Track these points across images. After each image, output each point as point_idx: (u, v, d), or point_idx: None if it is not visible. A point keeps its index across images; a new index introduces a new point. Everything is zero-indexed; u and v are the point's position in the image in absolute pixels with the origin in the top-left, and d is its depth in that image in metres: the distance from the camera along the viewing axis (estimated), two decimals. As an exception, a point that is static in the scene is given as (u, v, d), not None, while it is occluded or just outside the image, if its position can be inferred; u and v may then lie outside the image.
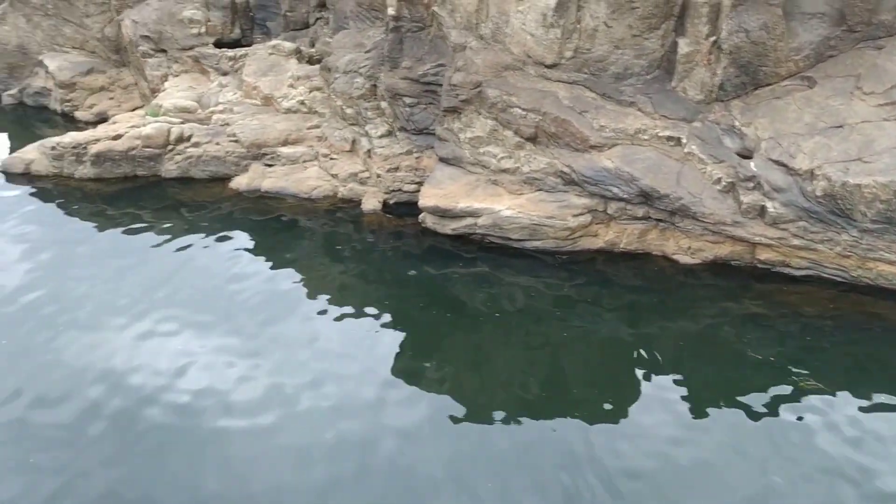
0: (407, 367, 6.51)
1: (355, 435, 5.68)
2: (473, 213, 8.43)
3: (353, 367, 6.52)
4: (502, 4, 8.64)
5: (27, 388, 6.02)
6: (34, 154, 10.21)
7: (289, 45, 11.51)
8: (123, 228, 8.97)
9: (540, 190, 8.41)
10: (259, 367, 6.48)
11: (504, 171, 8.63)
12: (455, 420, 5.81)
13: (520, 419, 5.82)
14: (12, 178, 10.13)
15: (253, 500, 5.06)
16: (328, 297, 7.58)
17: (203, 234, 8.84)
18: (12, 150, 11.05)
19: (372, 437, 5.67)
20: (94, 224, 9.09)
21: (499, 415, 5.86)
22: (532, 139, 8.42)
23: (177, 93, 11.16)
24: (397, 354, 6.67)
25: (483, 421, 5.78)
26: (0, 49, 13.11)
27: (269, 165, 10.01)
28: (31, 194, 9.84)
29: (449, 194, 8.62)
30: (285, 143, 10.02)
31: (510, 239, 8.37)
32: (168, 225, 9.10)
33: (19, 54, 13.08)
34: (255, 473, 5.29)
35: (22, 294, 7.43)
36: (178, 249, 8.51)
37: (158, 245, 8.61)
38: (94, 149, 9.95)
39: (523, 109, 8.35)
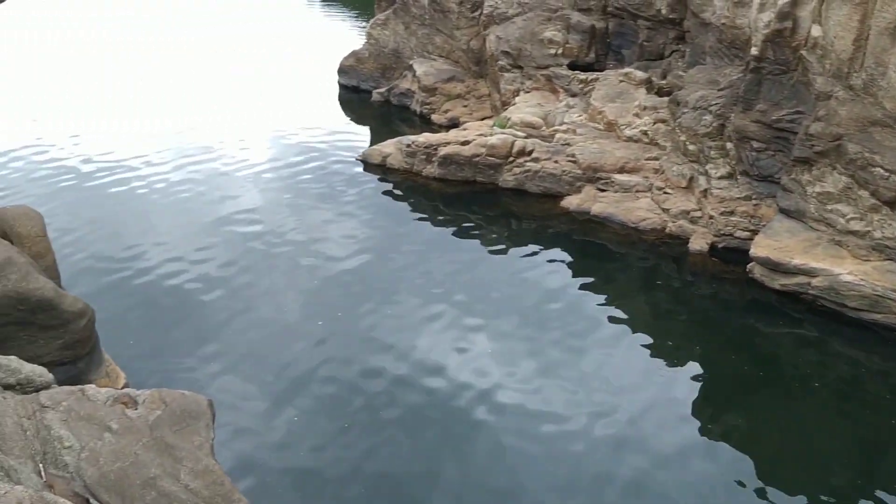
0: (701, 412, 6.62)
1: (627, 468, 5.93)
2: (808, 272, 8.21)
3: (642, 399, 6.77)
4: (882, 55, 8.30)
5: (355, 357, 7.23)
6: (391, 149, 11.77)
7: (640, 75, 11.94)
8: (455, 228, 10.10)
9: (890, 259, 7.94)
10: (545, 377, 7.02)
11: (851, 232, 8.27)
12: (743, 481, 5.82)
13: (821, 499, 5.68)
14: (369, 167, 11.82)
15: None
16: (633, 326, 7.90)
17: (525, 246, 9.63)
18: (373, 142, 12.87)
19: (644, 472, 5.89)
20: (430, 219, 10.35)
21: (798, 494, 5.73)
22: (891, 203, 7.99)
23: (525, 108, 12.13)
24: (695, 400, 6.80)
25: (778, 486, 5.73)
26: (378, 51, 15.18)
27: (602, 190, 10.54)
28: (382, 183, 11.44)
29: (785, 248, 8.46)
30: (621, 170, 10.47)
31: (845, 306, 8.01)
32: (495, 231, 10.04)
33: (393, 57, 15.03)
34: (524, 473, 5.80)
35: (355, 266, 8.85)
36: (499, 255, 9.42)
37: (482, 248, 9.60)
38: (443, 151, 11.22)
39: (886, 170, 7.95)
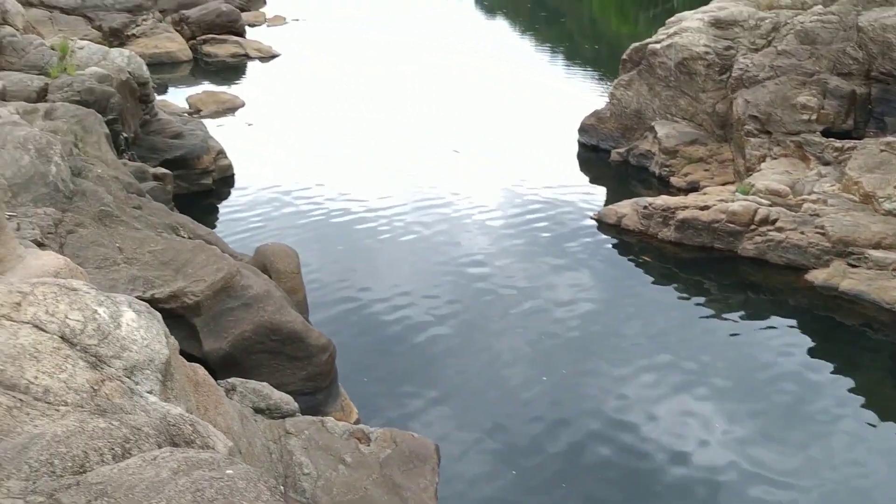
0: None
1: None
2: None
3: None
4: None
5: (581, 421, 7.28)
6: (627, 209, 11.78)
7: (905, 144, 11.16)
8: (688, 293, 9.91)
9: None
10: (774, 459, 6.69)
11: None
12: None
13: None
14: (604, 226, 11.88)
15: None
16: (883, 420, 7.34)
17: (763, 318, 9.25)
18: (609, 201, 12.93)
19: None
20: (664, 282, 10.23)
21: None
22: None
23: (771, 175, 11.70)
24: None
25: None
26: (620, 111, 15.29)
27: (853, 266, 9.89)
28: (616, 242, 11.48)
29: None
30: (877, 245, 9.79)
31: None
32: (731, 300, 9.74)
33: (635, 118, 15.08)
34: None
35: (583, 321, 8.93)
36: (732, 324, 9.10)
37: (716, 316, 9.32)
38: (680, 215, 11.08)
39: None
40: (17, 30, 12.35)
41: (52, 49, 11.88)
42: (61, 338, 2.80)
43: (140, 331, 2.97)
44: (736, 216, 10.83)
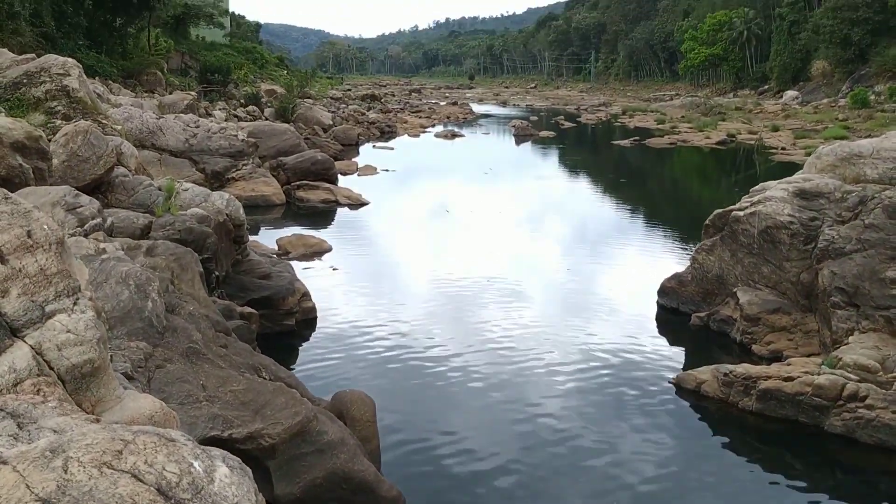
0: None
1: None
2: None
3: None
4: None
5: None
6: (707, 375, 11.52)
7: None
8: (770, 468, 9.43)
9: None
10: None
11: None
12: None
13: None
14: (682, 391, 11.59)
15: None
16: None
17: (851, 502, 8.72)
18: (687, 366, 12.66)
19: None
20: (743, 454, 9.81)
21: None
22: None
23: (859, 349, 11.34)
24: None
25: None
26: (701, 275, 15.24)
27: (949, 451, 9.37)
28: (694, 409, 11.15)
29: None
30: (975, 432, 9.29)
31: None
32: (817, 480, 9.24)
33: (716, 283, 14.99)
34: None
35: (656, 487, 8.55)
36: (817, 505, 8.60)
37: (799, 496, 8.82)
38: (763, 385, 10.76)
39: None
40: (130, 170, 13.28)
41: (160, 189, 12.69)
42: (157, 490, 2.89)
43: (232, 487, 3.03)
44: (822, 390, 10.45)
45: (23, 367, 3.92)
